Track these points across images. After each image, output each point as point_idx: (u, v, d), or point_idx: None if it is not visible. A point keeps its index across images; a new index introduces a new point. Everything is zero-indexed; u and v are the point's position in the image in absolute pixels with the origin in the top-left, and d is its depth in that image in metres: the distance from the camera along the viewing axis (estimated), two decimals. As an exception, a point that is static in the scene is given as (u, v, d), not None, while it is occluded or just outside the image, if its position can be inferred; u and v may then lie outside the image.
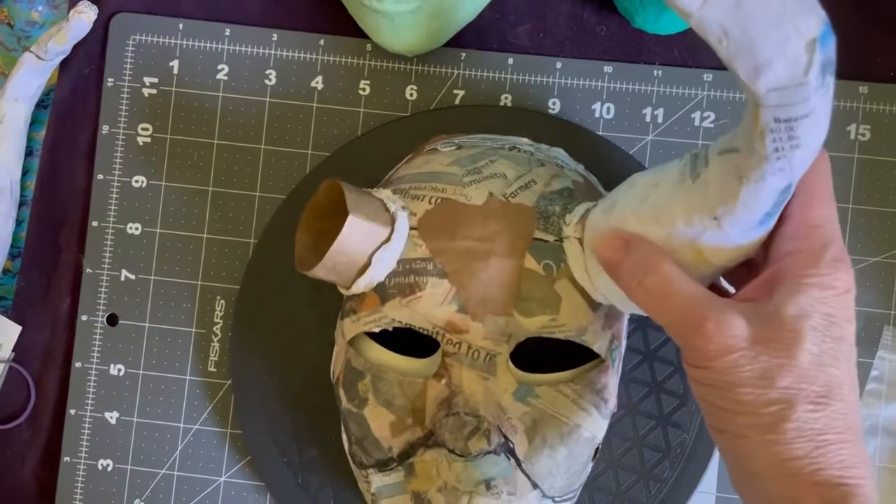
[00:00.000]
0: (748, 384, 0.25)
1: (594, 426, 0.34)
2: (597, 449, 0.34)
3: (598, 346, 0.33)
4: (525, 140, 0.38)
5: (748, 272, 0.28)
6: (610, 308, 0.34)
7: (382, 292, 0.33)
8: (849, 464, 0.25)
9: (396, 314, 0.33)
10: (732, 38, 0.23)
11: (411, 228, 0.33)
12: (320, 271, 0.32)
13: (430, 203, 0.34)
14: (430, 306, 0.33)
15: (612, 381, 0.35)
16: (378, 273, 0.33)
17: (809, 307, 0.25)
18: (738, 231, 0.27)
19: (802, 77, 0.23)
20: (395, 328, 0.34)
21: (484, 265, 0.33)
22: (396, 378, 0.34)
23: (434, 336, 0.33)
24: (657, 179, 0.29)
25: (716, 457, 0.40)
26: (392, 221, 0.33)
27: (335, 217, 0.32)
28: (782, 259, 0.27)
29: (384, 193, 0.34)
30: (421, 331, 0.34)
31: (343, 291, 0.35)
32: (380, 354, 0.35)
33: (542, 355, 0.35)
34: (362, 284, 0.33)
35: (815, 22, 0.23)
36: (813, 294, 0.26)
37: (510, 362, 0.34)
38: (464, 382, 0.33)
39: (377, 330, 0.34)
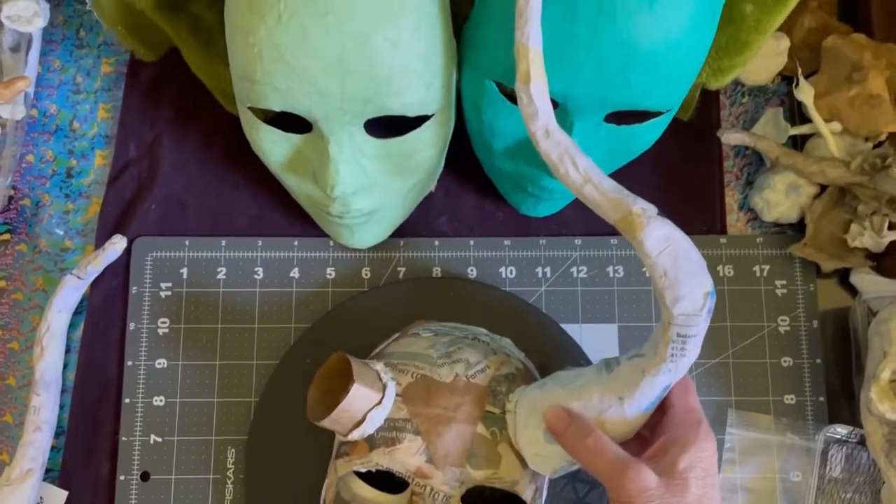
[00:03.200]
0: None
1: None
2: None
3: (526, 495, 0.43)
4: (483, 331, 0.50)
5: (639, 446, 0.40)
6: None
7: (371, 442, 0.43)
8: None
9: (380, 459, 0.42)
10: (669, 277, 0.36)
11: (397, 395, 0.43)
12: (327, 423, 0.42)
13: (411, 377, 0.44)
14: (406, 456, 0.42)
15: None
16: (370, 427, 0.42)
17: (693, 463, 0.37)
18: (632, 411, 0.39)
19: (699, 311, 0.36)
20: (376, 470, 0.43)
21: (447, 428, 0.42)
22: None
23: (406, 478, 0.42)
24: (578, 373, 0.41)
25: None
26: (384, 388, 0.43)
27: (339, 378, 0.43)
28: (672, 430, 0.39)
29: (378, 366, 0.44)
30: (396, 473, 0.42)
31: (340, 438, 0.45)
32: (363, 489, 0.45)
33: (484, 496, 0.46)
34: (356, 434, 0.42)
35: (709, 282, 0.37)
36: (694, 455, 0.38)
37: (461, 502, 0.42)
38: None
39: (363, 470, 0.43)
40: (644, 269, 0.56)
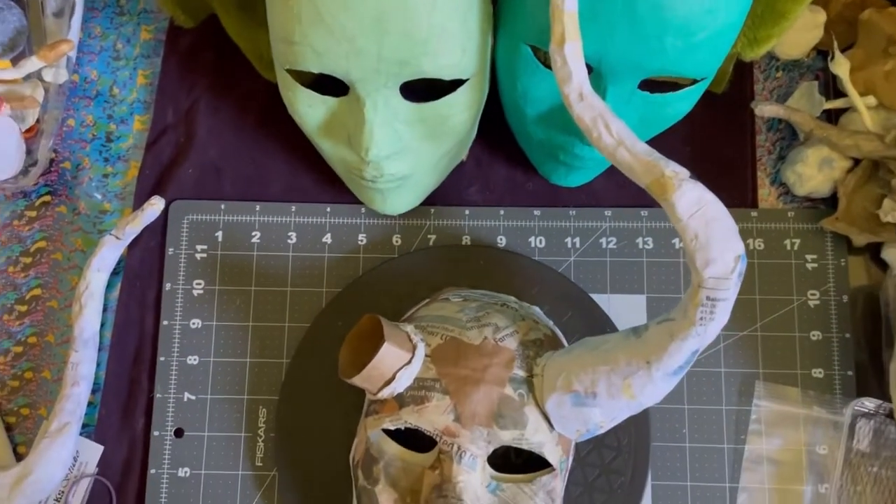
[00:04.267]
0: None
1: None
2: None
3: (552, 458, 0.43)
4: (512, 298, 0.51)
5: None
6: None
7: (400, 400, 0.43)
8: None
9: (409, 418, 0.43)
10: (700, 239, 0.36)
11: (426, 356, 0.44)
12: (357, 380, 0.43)
13: (441, 339, 0.45)
14: (434, 414, 0.42)
15: (559, 486, 0.44)
16: (400, 386, 0.43)
17: None
18: (660, 375, 0.39)
19: (729, 274, 0.36)
20: (405, 428, 0.44)
21: (475, 388, 0.43)
22: (402, 465, 0.44)
23: (434, 437, 0.42)
24: (605, 339, 0.42)
25: (649, 495, 0.53)
26: (413, 349, 0.43)
27: (370, 339, 0.44)
28: None
29: (409, 327, 0.45)
30: (425, 432, 0.43)
31: (370, 396, 0.45)
32: (391, 447, 0.45)
33: (509, 459, 0.46)
34: (386, 393, 0.43)
35: (741, 246, 0.37)
36: None
37: (487, 463, 0.43)
38: (453, 474, 0.42)
39: (392, 428, 0.44)
40: (675, 240, 0.56)
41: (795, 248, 0.56)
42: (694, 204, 0.37)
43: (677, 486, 0.53)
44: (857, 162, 0.55)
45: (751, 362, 0.55)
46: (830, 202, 0.57)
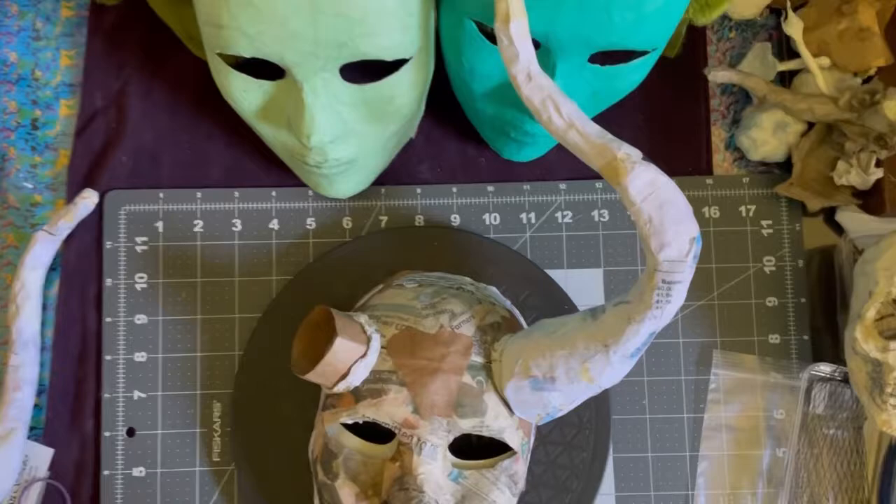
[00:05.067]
0: None
1: (506, 502, 0.44)
2: None
3: (513, 442, 0.43)
4: (468, 280, 0.50)
5: None
6: None
7: (357, 394, 0.42)
8: None
9: (366, 411, 0.42)
10: (654, 223, 0.36)
11: (382, 347, 0.43)
12: (312, 376, 0.42)
13: (396, 329, 0.44)
14: (392, 407, 0.42)
15: (521, 468, 0.44)
16: (355, 380, 0.42)
17: None
18: (617, 358, 0.38)
19: (684, 257, 0.36)
20: (364, 422, 0.43)
21: (433, 379, 0.42)
22: (362, 459, 0.43)
23: (393, 429, 0.42)
24: (562, 322, 0.41)
25: (611, 467, 0.53)
26: (368, 341, 0.42)
27: (324, 329, 0.42)
28: None
29: (362, 318, 0.44)
30: (383, 424, 0.42)
31: (325, 390, 0.45)
32: (350, 440, 0.45)
33: (470, 443, 0.46)
34: (342, 387, 0.42)
35: (695, 228, 0.36)
36: None
37: (448, 451, 0.43)
38: (413, 466, 0.41)
39: (350, 422, 0.43)
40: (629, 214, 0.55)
41: (751, 214, 0.56)
42: (647, 187, 0.36)
43: (639, 458, 0.53)
44: (811, 125, 0.54)
45: (708, 331, 0.54)
46: (785, 166, 0.56)
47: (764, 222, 0.55)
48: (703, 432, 0.53)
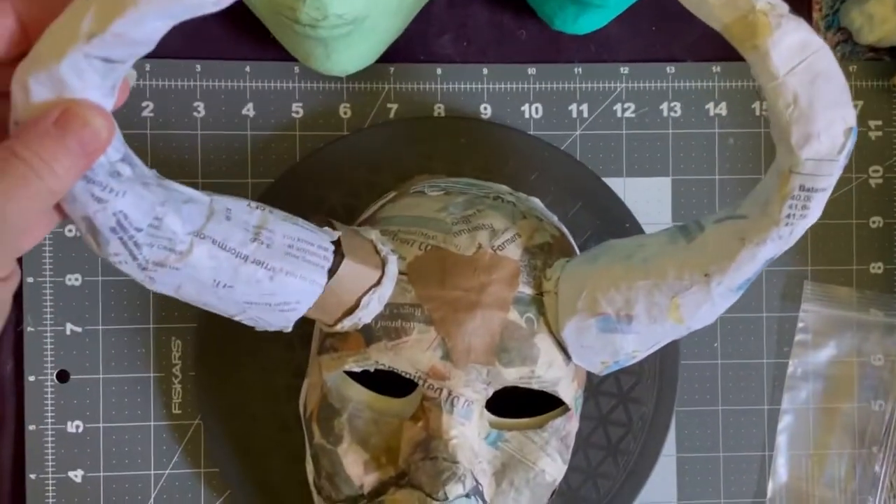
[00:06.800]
0: None
1: (556, 471, 0.36)
2: (553, 491, 0.37)
3: (566, 396, 0.36)
4: (506, 188, 0.40)
5: None
6: None
7: (368, 334, 0.34)
8: None
9: (381, 357, 0.34)
10: (800, 105, 0.28)
11: (401, 273, 0.34)
12: (309, 311, 0.33)
13: (419, 249, 0.35)
14: (416, 352, 0.34)
15: (574, 427, 0.37)
16: (366, 315, 0.34)
17: None
18: (720, 291, 0.31)
19: (836, 154, 0.28)
20: (375, 370, 0.35)
21: (470, 316, 0.34)
22: (373, 417, 0.35)
23: (416, 380, 0.35)
24: (640, 243, 0.34)
25: (673, 424, 0.44)
26: (382, 265, 0.34)
27: None
28: None
29: (373, 234, 0.35)
30: (403, 373, 0.35)
31: (324, 328, 0.35)
32: (357, 393, 0.36)
33: (509, 400, 0.37)
34: (348, 324, 0.34)
35: (853, 115, 0.28)
36: None
37: (484, 409, 0.35)
38: (442, 427, 0.34)
39: (358, 370, 0.35)
40: (708, 105, 0.45)
41: (857, 112, 0.46)
42: (797, 52, 0.28)
43: (706, 411, 0.45)
44: (945, -2, 0.44)
45: (797, 258, 0.46)
46: (901, 53, 0.46)
47: (872, 123, 0.47)
48: (786, 381, 0.46)
